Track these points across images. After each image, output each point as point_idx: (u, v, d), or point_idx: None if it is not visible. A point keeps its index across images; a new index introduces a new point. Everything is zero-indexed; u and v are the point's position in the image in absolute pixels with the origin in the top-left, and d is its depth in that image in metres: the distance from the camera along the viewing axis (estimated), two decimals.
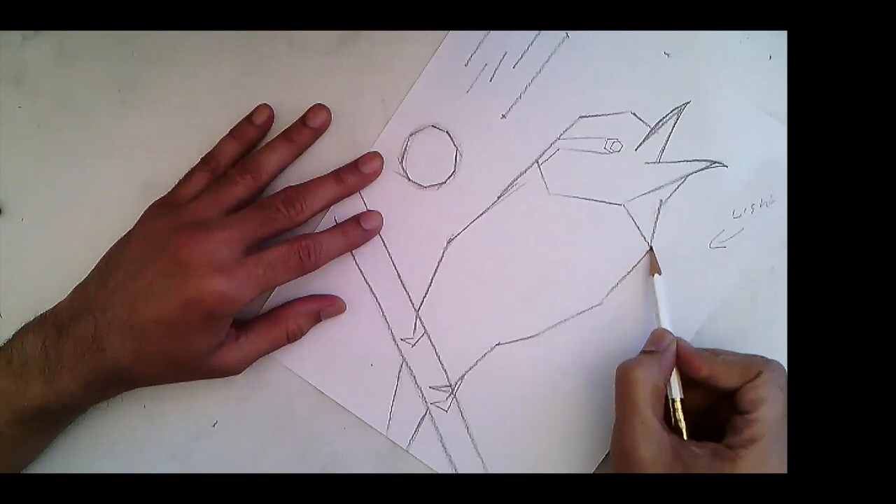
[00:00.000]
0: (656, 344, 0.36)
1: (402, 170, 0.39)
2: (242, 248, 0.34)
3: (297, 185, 0.37)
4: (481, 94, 0.39)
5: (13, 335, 0.35)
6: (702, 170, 0.39)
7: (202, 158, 0.39)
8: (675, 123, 0.39)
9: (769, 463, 0.32)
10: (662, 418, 0.34)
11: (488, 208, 0.39)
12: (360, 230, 0.38)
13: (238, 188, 0.36)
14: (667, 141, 0.39)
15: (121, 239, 0.37)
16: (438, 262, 0.40)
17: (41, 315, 0.36)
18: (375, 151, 0.39)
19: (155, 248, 0.34)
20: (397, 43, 0.39)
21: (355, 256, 0.40)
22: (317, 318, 0.39)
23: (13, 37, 0.39)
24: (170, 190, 0.38)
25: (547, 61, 0.39)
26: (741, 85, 0.39)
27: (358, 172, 0.38)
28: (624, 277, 0.39)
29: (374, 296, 0.40)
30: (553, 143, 0.39)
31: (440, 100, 0.39)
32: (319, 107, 0.39)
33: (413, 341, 0.39)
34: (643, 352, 0.36)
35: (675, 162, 0.39)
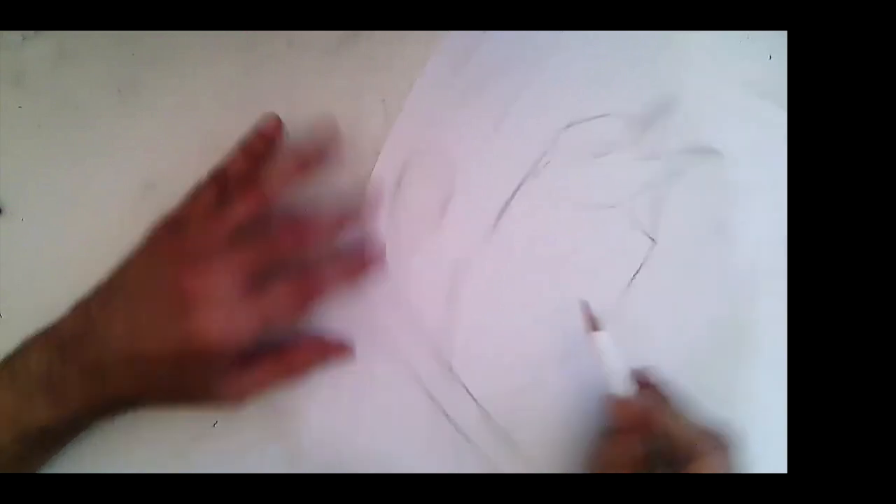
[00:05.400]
0: (628, 419, 0.34)
1: (398, 202, 0.39)
2: (245, 280, 0.34)
3: (303, 214, 0.36)
4: (471, 113, 0.39)
5: (16, 350, 0.35)
6: (697, 163, 0.39)
7: (210, 173, 0.37)
8: (665, 120, 0.39)
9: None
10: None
11: (492, 229, 0.39)
12: (363, 265, 0.37)
13: (243, 209, 0.35)
14: (659, 138, 0.39)
15: (127, 258, 0.36)
16: (454, 291, 0.39)
17: (44, 330, 0.35)
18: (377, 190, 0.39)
19: (156, 277, 0.34)
20: (397, 43, 0.39)
21: (364, 295, 0.39)
22: (325, 361, 0.38)
23: (13, 37, 0.39)
24: (176, 206, 0.37)
25: (533, 70, 0.39)
26: (741, 85, 0.39)
27: (363, 207, 0.38)
28: (633, 277, 0.39)
29: (395, 338, 0.39)
30: (546, 152, 0.39)
31: (429, 124, 0.39)
32: (332, 133, 0.38)
33: (444, 378, 0.39)
34: (615, 430, 0.35)
35: (668, 157, 0.39)
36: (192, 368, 0.33)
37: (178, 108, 0.39)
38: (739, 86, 0.39)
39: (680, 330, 0.37)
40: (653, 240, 0.39)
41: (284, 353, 0.37)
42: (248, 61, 0.39)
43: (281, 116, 0.39)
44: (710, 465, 0.33)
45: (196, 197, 0.37)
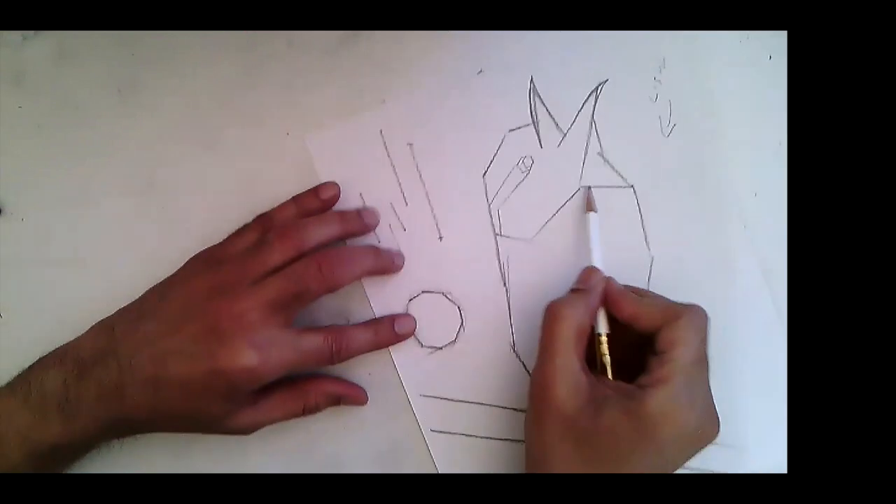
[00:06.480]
0: (584, 282, 0.36)
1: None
2: (277, 314, 0.34)
3: (335, 251, 0.37)
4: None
5: (31, 368, 0.35)
6: (589, 100, 0.40)
7: (257, 217, 0.38)
8: (535, 102, 0.40)
9: (677, 406, 0.31)
10: (584, 359, 0.34)
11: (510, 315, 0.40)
12: (392, 333, 0.38)
13: (277, 255, 0.35)
14: (552, 117, 0.40)
15: (158, 286, 0.36)
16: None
17: (61, 349, 0.35)
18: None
19: (192, 309, 0.34)
20: (397, 43, 0.39)
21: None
22: (337, 402, 0.39)
23: (13, 37, 0.39)
24: (219, 242, 0.37)
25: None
26: (741, 85, 0.39)
27: (398, 254, 0.39)
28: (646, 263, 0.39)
29: None
30: (492, 205, 0.40)
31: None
32: (373, 211, 0.39)
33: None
34: (572, 290, 0.36)
35: (576, 122, 0.40)
36: (213, 397, 0.34)
37: (178, 108, 0.39)
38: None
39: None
40: (631, 185, 0.39)
41: (298, 392, 0.37)
42: (248, 61, 0.39)
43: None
44: (696, 320, 0.33)
45: (238, 236, 0.37)
